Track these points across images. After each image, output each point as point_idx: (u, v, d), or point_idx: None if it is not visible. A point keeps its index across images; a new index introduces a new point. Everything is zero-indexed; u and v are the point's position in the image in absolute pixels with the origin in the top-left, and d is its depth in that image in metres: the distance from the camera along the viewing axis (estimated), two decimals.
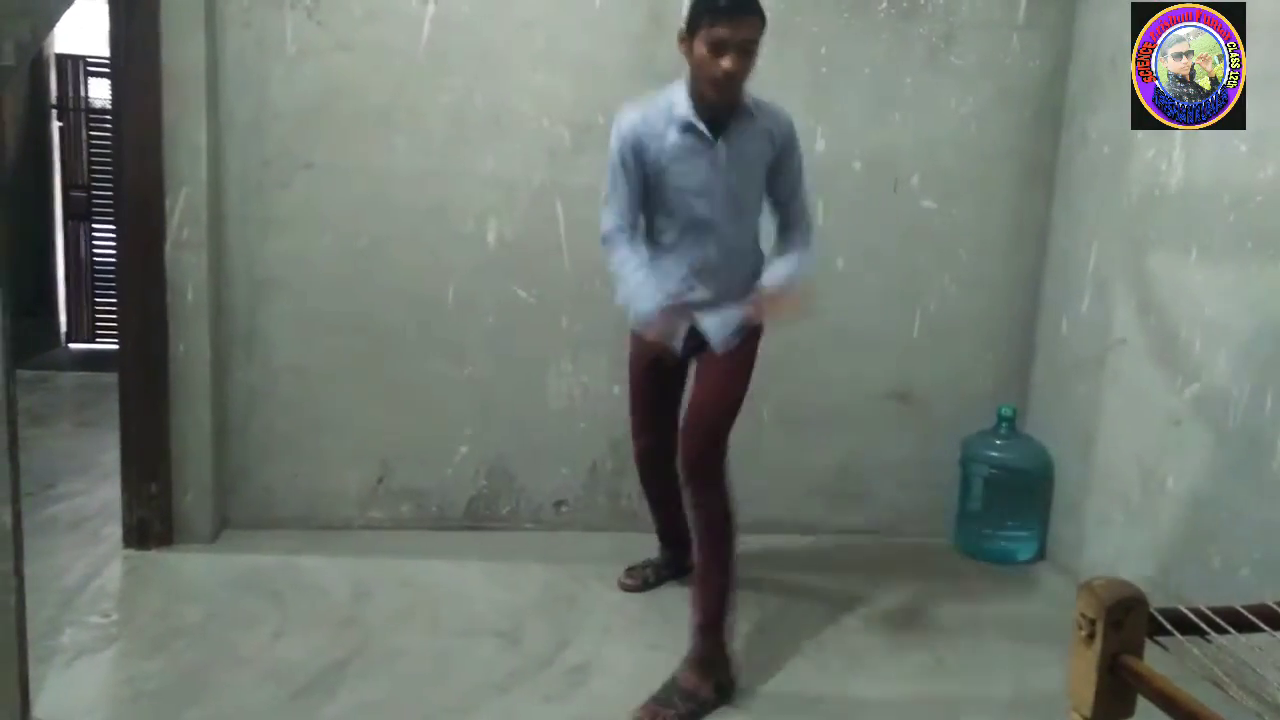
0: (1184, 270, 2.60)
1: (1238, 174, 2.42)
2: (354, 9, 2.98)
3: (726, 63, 2.10)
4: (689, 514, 2.37)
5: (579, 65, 3.05)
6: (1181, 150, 2.62)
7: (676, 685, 2.23)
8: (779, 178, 2.39)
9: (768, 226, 2.47)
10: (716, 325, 2.34)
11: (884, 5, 3.14)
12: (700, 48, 2.13)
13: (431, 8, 2.99)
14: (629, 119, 2.27)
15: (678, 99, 2.24)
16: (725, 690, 2.27)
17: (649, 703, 2.20)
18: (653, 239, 2.40)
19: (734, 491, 2.35)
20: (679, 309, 2.34)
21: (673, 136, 2.24)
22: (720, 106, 2.22)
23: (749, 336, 2.38)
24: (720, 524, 2.30)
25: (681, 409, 2.46)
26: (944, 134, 3.21)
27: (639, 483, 2.83)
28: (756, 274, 2.39)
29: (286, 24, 2.96)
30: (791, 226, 2.44)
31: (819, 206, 3.17)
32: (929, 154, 3.21)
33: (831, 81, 3.16)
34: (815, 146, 3.16)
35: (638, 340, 2.47)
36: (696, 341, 2.39)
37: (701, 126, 2.23)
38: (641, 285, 2.28)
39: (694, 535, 2.33)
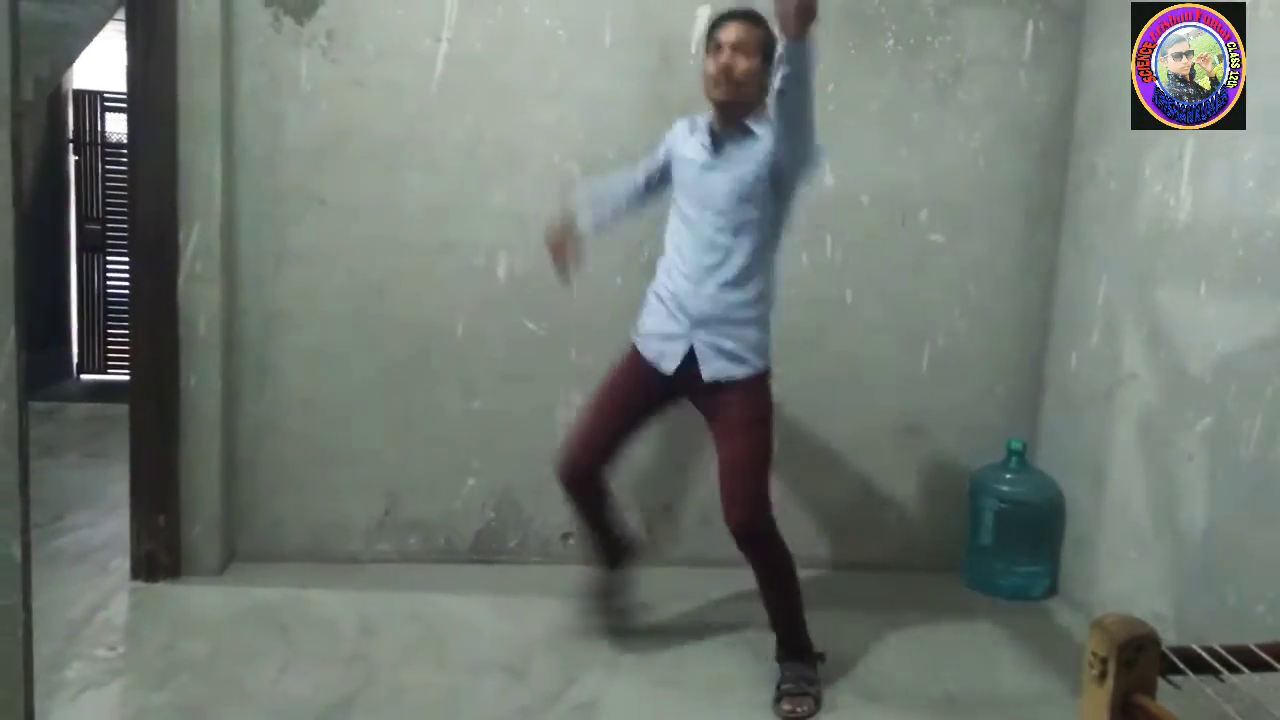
0: (1193, 305, 2.60)
1: (1246, 209, 2.42)
2: (367, 47, 3.02)
3: (721, 56, 2.32)
4: (757, 575, 2.46)
5: (590, 101, 3.09)
6: (1189, 185, 2.63)
7: (800, 676, 2.42)
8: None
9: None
10: (707, 349, 2.39)
11: (891, 42, 3.17)
12: (706, 58, 2.39)
13: (444, 46, 3.04)
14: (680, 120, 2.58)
15: (701, 115, 2.49)
16: (821, 660, 2.51)
17: (792, 694, 2.37)
18: (668, 239, 2.51)
19: (783, 534, 2.44)
20: (571, 234, 2.58)
21: (687, 138, 2.49)
22: (726, 113, 2.37)
23: (755, 386, 2.42)
24: (784, 573, 2.46)
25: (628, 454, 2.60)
26: (952, 169, 3.23)
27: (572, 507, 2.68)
28: (757, 322, 2.41)
29: (301, 61, 3.01)
30: None
31: (827, 241, 3.21)
32: (937, 188, 3.23)
33: (840, 117, 3.18)
34: (824, 181, 3.18)
35: (625, 361, 2.56)
36: (687, 376, 2.42)
37: (705, 131, 2.42)
38: (592, 190, 2.66)
39: (760, 587, 2.47)
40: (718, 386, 2.40)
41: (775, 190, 2.37)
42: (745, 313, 2.39)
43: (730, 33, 2.32)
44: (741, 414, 2.40)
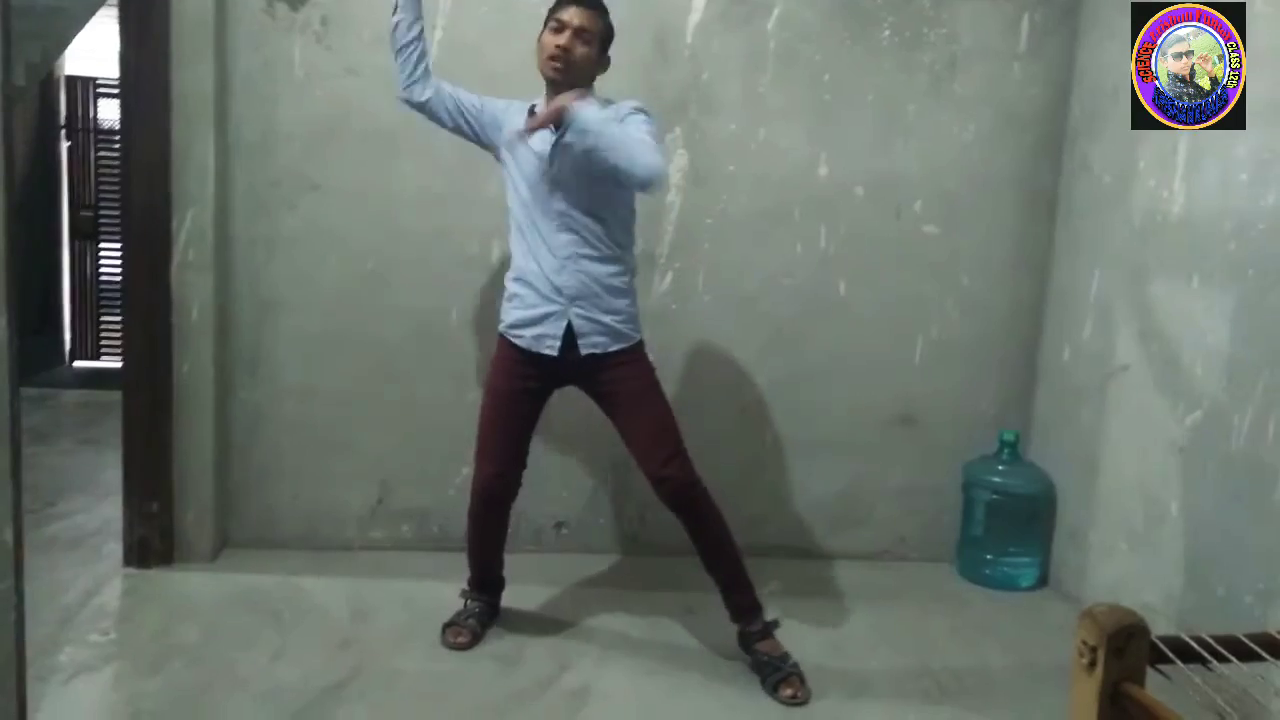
0: (1185, 297, 2.61)
1: (1239, 202, 2.43)
2: (363, 33, 3.01)
3: (560, 38, 2.34)
4: (695, 537, 2.46)
5: None
6: (1183, 179, 2.64)
7: (777, 656, 2.44)
8: None
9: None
10: (584, 323, 2.41)
11: (887, 33, 3.16)
12: (544, 33, 2.39)
13: (439, 33, 3.02)
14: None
15: (533, 100, 2.47)
16: (776, 626, 2.53)
17: (779, 682, 2.38)
18: (516, 227, 2.49)
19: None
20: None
21: (521, 120, 2.43)
22: (560, 93, 2.34)
23: (635, 356, 2.48)
24: (721, 524, 2.47)
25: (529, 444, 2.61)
26: (946, 161, 3.23)
27: (469, 520, 2.64)
28: (625, 293, 2.46)
29: (295, 48, 2.99)
30: None
31: (821, 232, 3.21)
32: (931, 180, 3.23)
33: (835, 108, 3.18)
34: (819, 172, 3.18)
35: (502, 362, 2.54)
36: (568, 359, 2.43)
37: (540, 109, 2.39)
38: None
39: (703, 546, 2.48)
40: (599, 364, 2.44)
41: None
42: (614, 283, 2.43)
43: (575, 16, 2.35)
44: (636, 384, 2.46)
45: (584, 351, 2.42)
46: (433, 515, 3.24)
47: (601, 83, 2.52)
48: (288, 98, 3.01)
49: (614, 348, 2.44)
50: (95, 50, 5.63)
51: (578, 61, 2.36)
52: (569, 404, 3.21)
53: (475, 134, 2.55)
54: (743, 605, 2.50)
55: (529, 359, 2.47)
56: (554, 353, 2.43)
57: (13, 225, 1.59)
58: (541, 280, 2.42)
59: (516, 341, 2.49)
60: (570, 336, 2.42)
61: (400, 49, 2.45)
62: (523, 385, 2.52)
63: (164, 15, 2.79)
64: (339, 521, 3.21)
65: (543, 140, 2.40)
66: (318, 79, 3.02)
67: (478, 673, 2.46)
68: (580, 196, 2.39)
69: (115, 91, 5.55)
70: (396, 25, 2.44)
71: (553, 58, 2.35)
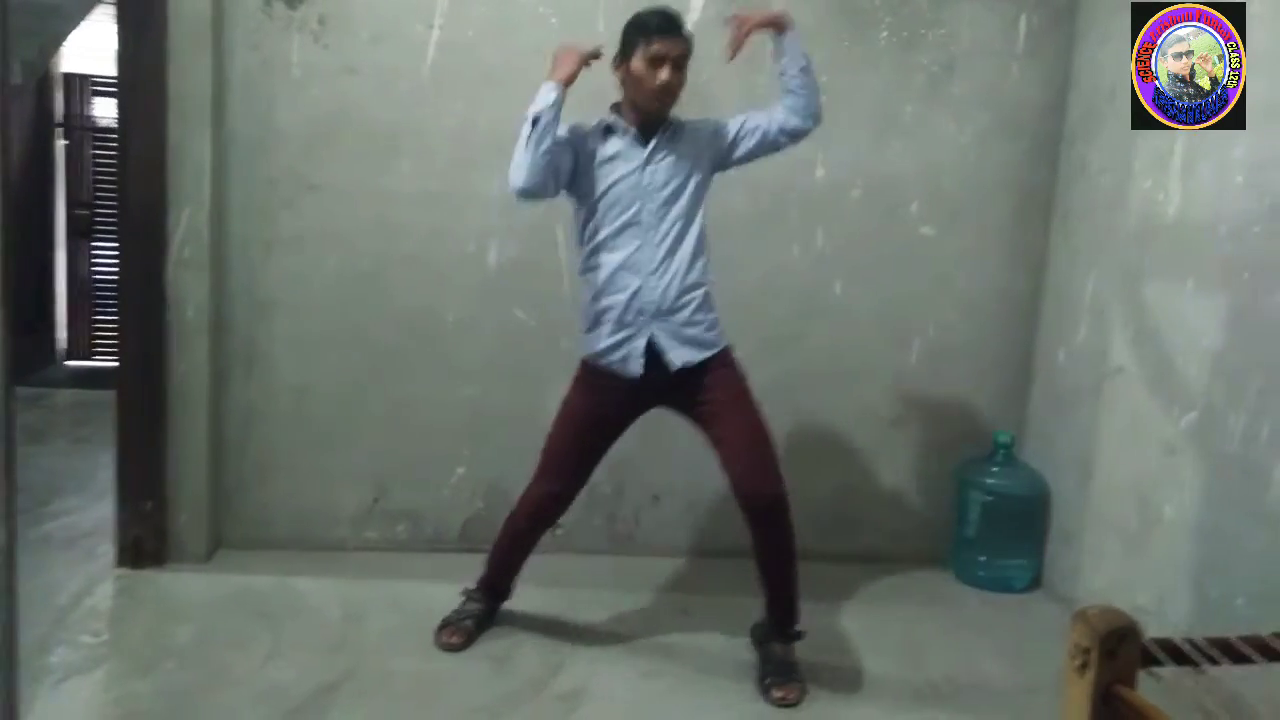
0: (1181, 300, 2.61)
1: (1234, 205, 2.43)
2: (360, 32, 3.00)
3: (665, 74, 2.32)
4: (766, 547, 2.43)
5: (582, 90, 3.07)
6: (1179, 181, 2.64)
7: (784, 661, 2.44)
8: (740, 135, 2.47)
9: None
10: (667, 338, 2.38)
11: (885, 34, 3.17)
12: (638, 65, 2.34)
13: (436, 32, 3.02)
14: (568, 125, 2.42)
15: (607, 117, 2.45)
16: (800, 638, 2.51)
17: (781, 683, 2.38)
18: (596, 250, 2.42)
19: None
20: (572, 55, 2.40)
21: (603, 142, 2.43)
22: (653, 119, 2.40)
23: (726, 360, 2.44)
24: (793, 539, 2.45)
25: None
26: (943, 162, 3.23)
27: (507, 529, 2.68)
28: (707, 303, 2.43)
29: (293, 46, 2.99)
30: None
31: (818, 233, 3.21)
32: (928, 181, 3.23)
33: (832, 109, 3.15)
34: (815, 173, 3.18)
35: (585, 388, 2.50)
36: (655, 377, 2.39)
37: (628, 132, 2.41)
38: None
39: (769, 556, 2.44)
40: (691, 375, 2.40)
41: (716, 169, 2.49)
42: (697, 296, 2.40)
43: (675, 48, 2.33)
44: (731, 389, 2.41)
45: (676, 366, 2.38)
46: (428, 516, 3.23)
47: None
48: (285, 97, 3.01)
49: (703, 357, 2.40)
50: (92, 48, 5.62)
51: (679, 93, 2.38)
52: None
53: (571, 169, 2.42)
54: (785, 609, 2.48)
55: (615, 383, 2.42)
56: (637, 372, 2.39)
57: (8, 223, 1.59)
58: (624, 302, 2.38)
59: (602, 366, 2.43)
60: (654, 354, 2.38)
61: (543, 150, 2.30)
62: (601, 412, 2.49)
63: (162, 13, 2.79)
64: (334, 522, 3.20)
65: (633, 152, 2.39)
66: (315, 78, 3.01)
67: (471, 674, 2.46)
68: (675, 208, 2.38)
69: (112, 89, 5.53)
70: (548, 125, 2.30)
71: (659, 95, 2.34)
